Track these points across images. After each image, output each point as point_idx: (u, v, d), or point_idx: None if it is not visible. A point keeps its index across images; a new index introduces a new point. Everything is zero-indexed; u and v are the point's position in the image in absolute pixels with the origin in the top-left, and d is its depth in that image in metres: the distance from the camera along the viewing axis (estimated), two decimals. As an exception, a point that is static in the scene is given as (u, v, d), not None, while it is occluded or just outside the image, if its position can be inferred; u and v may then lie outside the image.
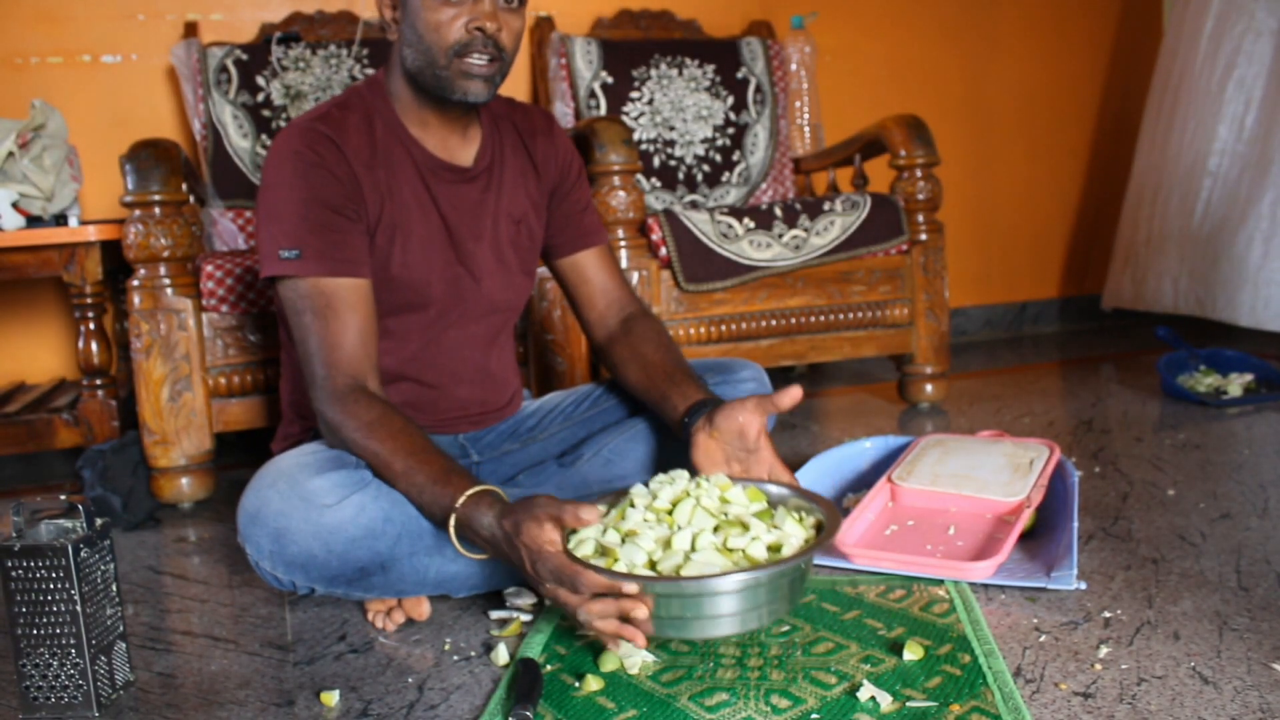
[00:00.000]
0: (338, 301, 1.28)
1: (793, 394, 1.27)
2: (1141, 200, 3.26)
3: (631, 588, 1.03)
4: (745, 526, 1.14)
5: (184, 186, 1.85)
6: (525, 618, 1.28)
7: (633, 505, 1.19)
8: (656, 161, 2.61)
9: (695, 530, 1.12)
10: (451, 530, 1.15)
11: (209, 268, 1.85)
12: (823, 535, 1.13)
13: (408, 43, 1.32)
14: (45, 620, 1.08)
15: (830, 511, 1.17)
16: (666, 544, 1.12)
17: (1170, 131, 3.16)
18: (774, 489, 1.24)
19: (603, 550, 1.13)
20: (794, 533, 1.14)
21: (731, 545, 1.11)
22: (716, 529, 1.14)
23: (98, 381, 1.99)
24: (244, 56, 2.38)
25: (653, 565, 1.10)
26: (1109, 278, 3.43)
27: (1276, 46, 2.88)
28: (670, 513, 1.17)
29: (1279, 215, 2.81)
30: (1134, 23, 3.54)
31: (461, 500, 1.14)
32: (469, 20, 1.27)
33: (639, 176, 2.54)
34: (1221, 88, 2.98)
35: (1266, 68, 2.90)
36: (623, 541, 1.12)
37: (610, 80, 2.62)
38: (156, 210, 1.81)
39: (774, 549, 1.12)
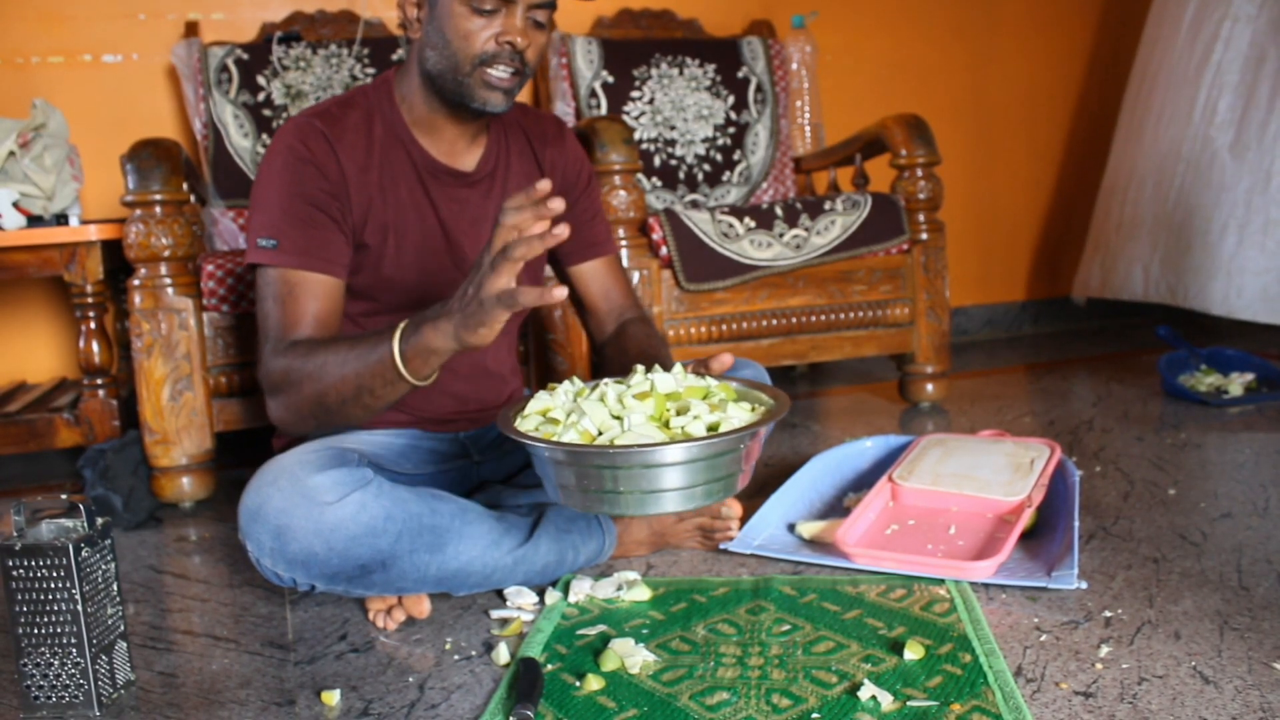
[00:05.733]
0: (300, 291, 1.30)
1: (722, 360, 1.28)
2: (1115, 188, 3.22)
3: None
4: (686, 409, 1.13)
5: (185, 186, 1.85)
6: (526, 617, 1.28)
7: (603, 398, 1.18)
8: (657, 161, 2.61)
9: (640, 410, 1.12)
10: (396, 341, 1.14)
11: (210, 267, 1.85)
12: (763, 415, 1.13)
13: (431, 44, 1.33)
14: (46, 620, 1.08)
15: (779, 398, 1.17)
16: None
17: (1146, 119, 3.12)
18: (735, 384, 1.24)
19: (548, 419, 1.15)
20: (736, 415, 1.13)
21: (672, 424, 1.11)
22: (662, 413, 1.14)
23: (99, 381, 1.99)
24: (245, 56, 2.38)
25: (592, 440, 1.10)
26: (1079, 267, 3.38)
27: (1254, 33, 2.85)
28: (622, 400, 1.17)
29: (1254, 202, 2.77)
30: (1133, 20, 3.53)
31: (412, 318, 1.16)
32: (499, 33, 1.29)
33: (640, 176, 2.54)
34: (1198, 74, 2.95)
35: (1243, 54, 2.87)
36: (568, 416, 1.13)
37: (611, 80, 2.62)
38: (157, 210, 1.81)
39: (713, 428, 1.11)
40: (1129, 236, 3.12)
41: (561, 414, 1.14)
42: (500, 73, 1.31)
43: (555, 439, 1.09)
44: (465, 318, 1.09)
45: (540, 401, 1.18)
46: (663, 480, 1.06)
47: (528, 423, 1.16)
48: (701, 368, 1.28)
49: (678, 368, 1.23)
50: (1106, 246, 3.22)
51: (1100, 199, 3.31)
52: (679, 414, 1.13)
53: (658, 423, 1.11)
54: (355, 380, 1.19)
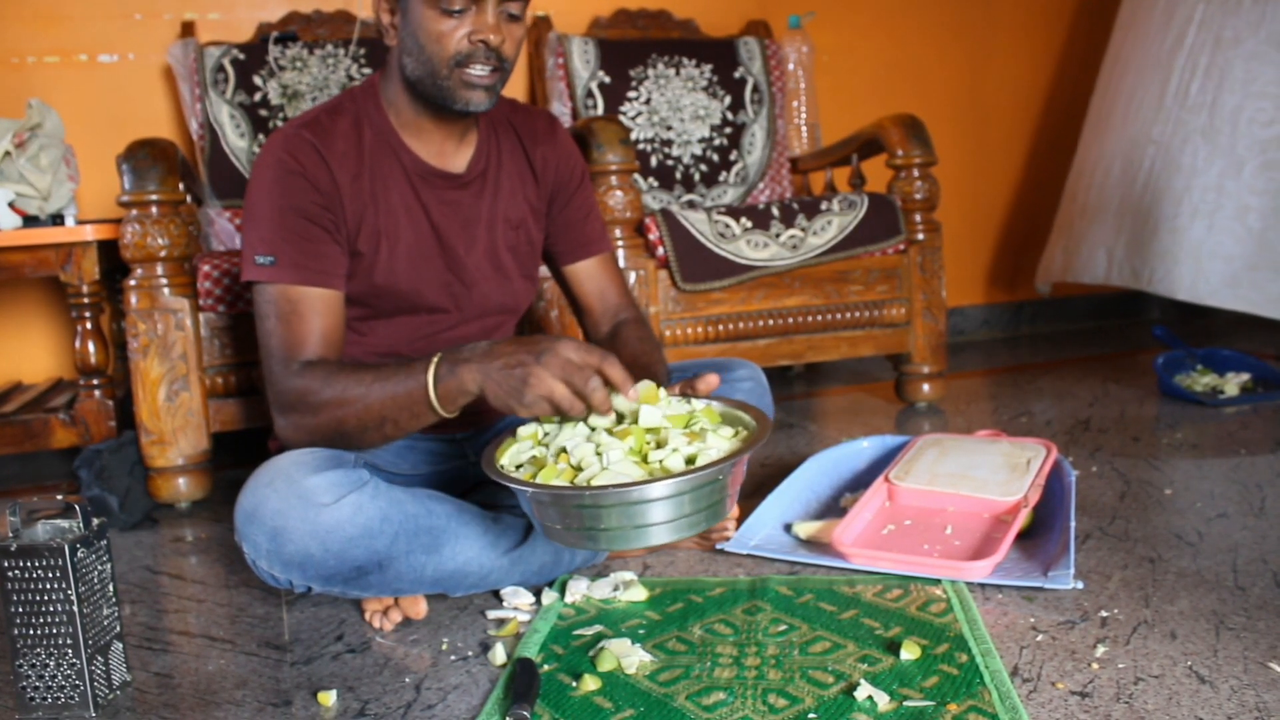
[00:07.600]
0: (303, 307, 1.30)
1: (708, 381, 1.27)
2: (1082, 171, 3.18)
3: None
4: (663, 443, 1.14)
5: (181, 186, 1.85)
6: (523, 617, 1.28)
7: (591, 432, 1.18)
8: (654, 161, 2.61)
9: (619, 445, 1.12)
10: (431, 376, 1.17)
11: (206, 267, 1.85)
12: (742, 443, 1.14)
13: (407, 50, 1.31)
14: (42, 620, 1.08)
15: (761, 421, 1.18)
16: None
17: (1116, 102, 3.08)
18: (718, 406, 1.24)
19: (538, 464, 1.15)
20: (715, 445, 1.13)
21: (650, 459, 1.11)
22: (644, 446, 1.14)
23: (95, 381, 1.98)
24: (241, 56, 2.38)
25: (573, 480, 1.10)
26: (1044, 255, 3.31)
27: (1228, 15, 2.81)
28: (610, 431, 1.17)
29: (1226, 187, 2.73)
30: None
31: (446, 353, 1.19)
32: (471, 32, 1.27)
33: (636, 176, 2.54)
34: (1171, 55, 2.90)
35: (1214, 34, 2.82)
36: (555, 454, 1.14)
37: (607, 80, 2.62)
38: (153, 210, 1.81)
39: (690, 461, 1.11)
40: (1093, 220, 3.06)
41: (544, 449, 1.15)
42: (478, 71, 1.29)
43: (536, 478, 1.10)
44: (500, 386, 1.13)
45: (529, 428, 1.19)
46: (645, 516, 1.07)
47: (518, 447, 1.17)
48: (688, 389, 1.27)
49: (662, 394, 1.22)
50: (1070, 230, 3.17)
51: (1068, 183, 3.26)
52: (658, 447, 1.13)
53: (637, 456, 1.11)
54: (380, 409, 1.21)
